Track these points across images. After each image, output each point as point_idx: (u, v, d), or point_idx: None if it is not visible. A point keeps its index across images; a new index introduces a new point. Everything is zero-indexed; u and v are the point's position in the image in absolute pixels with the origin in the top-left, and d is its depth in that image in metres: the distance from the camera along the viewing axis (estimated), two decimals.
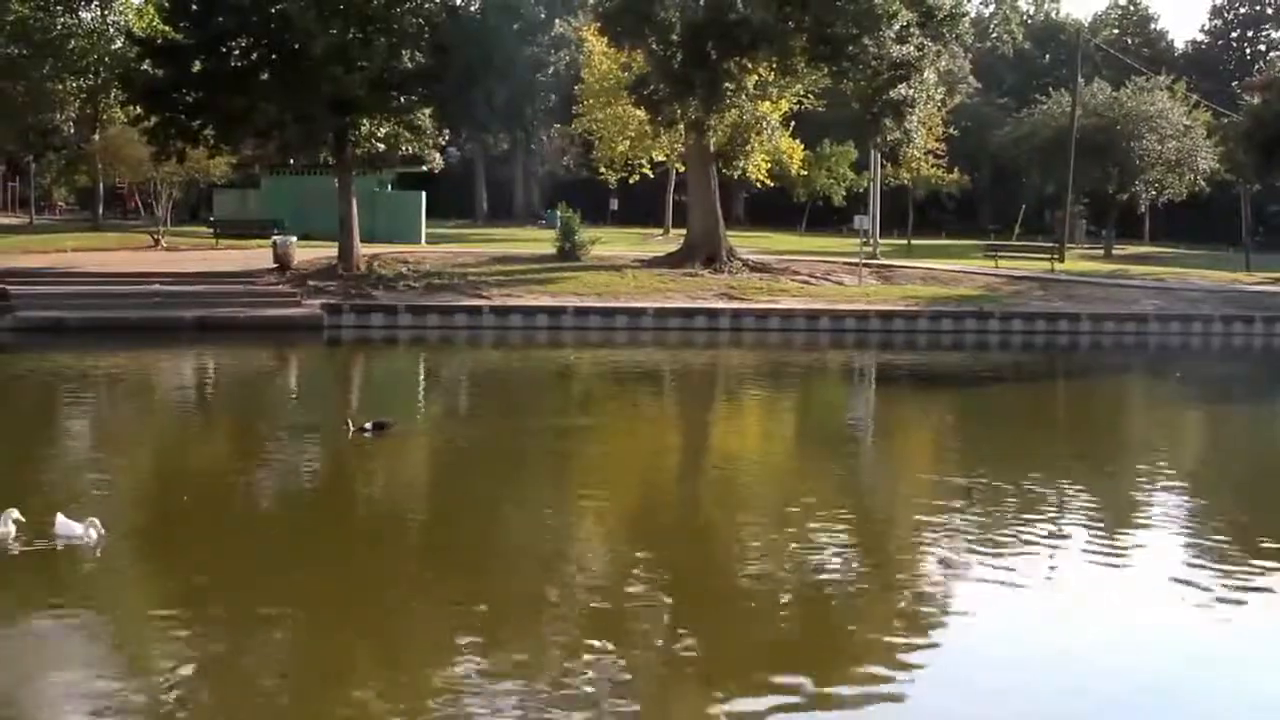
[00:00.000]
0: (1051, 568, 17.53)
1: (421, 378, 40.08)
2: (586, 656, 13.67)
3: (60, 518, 17.16)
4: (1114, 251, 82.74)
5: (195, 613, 14.78)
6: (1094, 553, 18.10)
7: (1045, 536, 18.94)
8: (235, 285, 49.05)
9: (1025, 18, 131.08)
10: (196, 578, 16.25)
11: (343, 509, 20.85)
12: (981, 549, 18.01)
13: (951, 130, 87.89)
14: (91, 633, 13.99)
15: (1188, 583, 16.73)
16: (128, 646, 13.64)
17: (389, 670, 13.41)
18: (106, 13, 74.02)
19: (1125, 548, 18.59)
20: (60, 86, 69.43)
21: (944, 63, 66.38)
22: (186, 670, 12.97)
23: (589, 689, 12.84)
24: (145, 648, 13.56)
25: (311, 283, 49.74)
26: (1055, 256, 65.44)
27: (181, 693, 12.45)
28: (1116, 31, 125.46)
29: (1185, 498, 22.96)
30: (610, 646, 14.01)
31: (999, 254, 66.11)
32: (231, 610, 14.90)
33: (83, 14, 71.94)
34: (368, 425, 25.66)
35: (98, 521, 17.09)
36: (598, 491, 22.64)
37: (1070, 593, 16.46)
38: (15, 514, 17.11)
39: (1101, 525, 19.86)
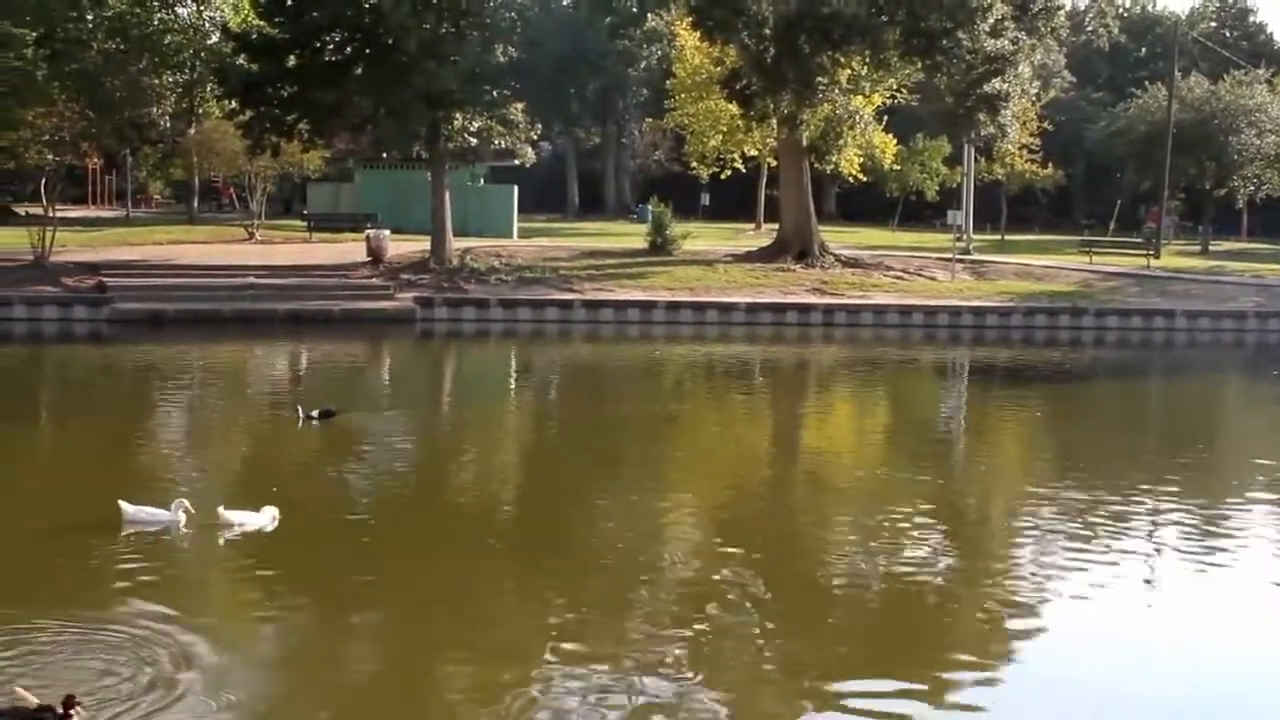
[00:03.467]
0: (1143, 574, 17.29)
1: (512, 371, 40.16)
2: (673, 647, 13.70)
3: (222, 510, 17.70)
4: (1211, 247, 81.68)
5: (288, 602, 14.95)
6: (1187, 561, 17.76)
7: (1138, 541, 18.69)
8: (329, 279, 49.34)
9: (1121, 10, 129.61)
10: (291, 567, 16.43)
11: (435, 499, 20.97)
12: (1073, 553, 17.78)
13: (1046, 125, 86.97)
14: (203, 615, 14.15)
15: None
16: (231, 636, 13.76)
17: (477, 658, 13.50)
18: (203, 8, 74.56)
19: (1219, 556, 18.12)
20: (157, 81, 70.06)
21: (1039, 56, 65.88)
22: (282, 655, 13.13)
23: (674, 681, 12.85)
24: (245, 639, 13.69)
25: (404, 276, 49.96)
26: (1151, 252, 64.74)
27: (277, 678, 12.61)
28: (1214, 24, 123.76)
29: None
30: (695, 639, 14.03)
31: (1094, 250, 65.55)
32: (322, 600, 15.05)
33: (179, 9, 72.47)
34: (314, 413, 25.98)
35: (275, 511, 17.69)
36: (686, 485, 22.60)
37: (1160, 602, 16.24)
38: (186, 504, 17.50)
39: (1196, 532, 19.37)
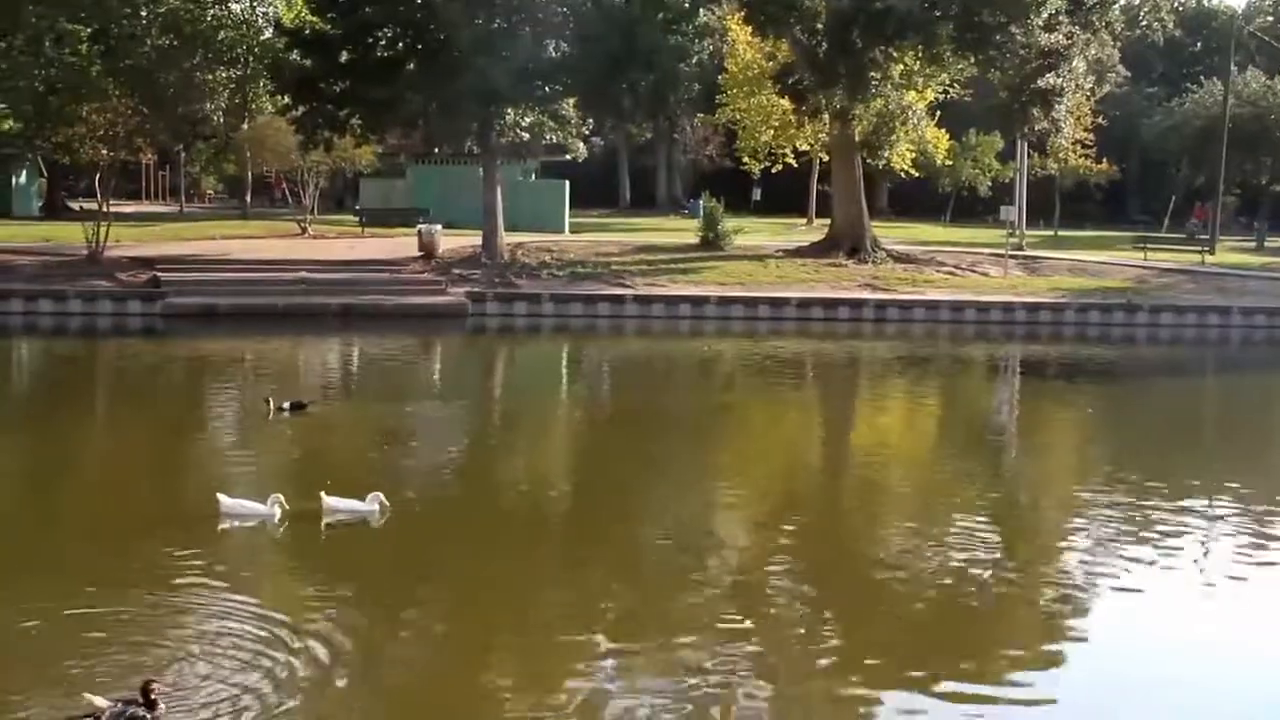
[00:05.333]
0: (1198, 572, 17.14)
1: (564, 365, 40.18)
2: (723, 645, 13.69)
3: (325, 496, 18.04)
4: (1266, 244, 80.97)
5: (343, 594, 14.99)
6: (1243, 560, 17.59)
7: (1193, 540, 18.53)
8: (381, 273, 49.51)
9: (1177, 4, 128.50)
10: (338, 559, 16.49)
11: (485, 491, 21.00)
12: (1127, 551, 17.67)
13: (1100, 120, 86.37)
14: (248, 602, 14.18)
15: None
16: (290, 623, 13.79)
17: (525, 651, 13.57)
18: (256, 4, 75.04)
19: (1273, 561, 18.02)
20: (210, 76, 70.27)
21: (1093, 51, 65.43)
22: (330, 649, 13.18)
23: (723, 679, 12.84)
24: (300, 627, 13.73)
25: (456, 271, 50.02)
26: (1206, 249, 64.27)
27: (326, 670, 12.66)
28: (1271, 19, 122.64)
29: None
30: (745, 637, 14.02)
31: (1148, 245, 65.13)
32: (371, 593, 15.09)
33: (232, 5, 72.75)
34: (285, 405, 26.07)
35: (382, 496, 17.96)
36: (737, 482, 22.55)
37: (1216, 601, 16.03)
38: (280, 498, 17.75)
39: (1252, 530, 19.20)
